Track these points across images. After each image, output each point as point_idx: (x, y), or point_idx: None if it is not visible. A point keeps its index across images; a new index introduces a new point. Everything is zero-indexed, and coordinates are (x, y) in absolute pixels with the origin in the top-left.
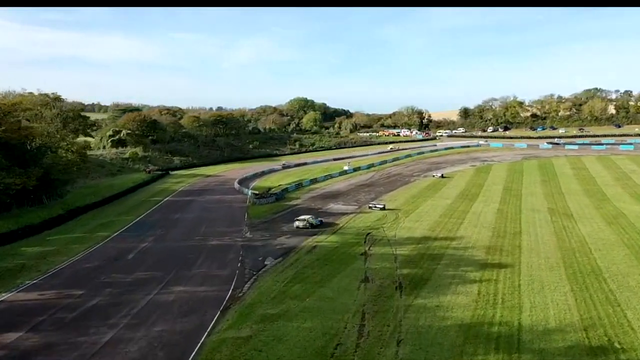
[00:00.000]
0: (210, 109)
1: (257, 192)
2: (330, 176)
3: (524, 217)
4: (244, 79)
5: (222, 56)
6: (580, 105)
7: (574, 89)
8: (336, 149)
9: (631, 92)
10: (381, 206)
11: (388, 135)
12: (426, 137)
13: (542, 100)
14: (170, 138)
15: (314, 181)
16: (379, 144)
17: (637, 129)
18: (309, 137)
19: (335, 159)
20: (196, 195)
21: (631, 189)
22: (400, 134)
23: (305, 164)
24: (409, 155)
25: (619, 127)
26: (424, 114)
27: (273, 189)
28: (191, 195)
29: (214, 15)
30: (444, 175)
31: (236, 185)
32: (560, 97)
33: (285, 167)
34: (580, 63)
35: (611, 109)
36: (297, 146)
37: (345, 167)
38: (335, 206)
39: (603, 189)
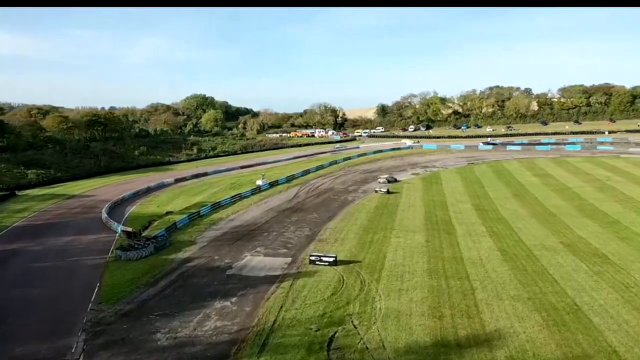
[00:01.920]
0: (103, 108)
1: (130, 229)
2: (240, 196)
3: (548, 265)
4: (143, 78)
5: (120, 54)
6: (504, 101)
7: (475, 86)
8: (242, 153)
9: (530, 89)
10: (330, 259)
11: (301, 136)
12: (345, 138)
13: (465, 96)
14: (28, 145)
15: (216, 206)
16: (292, 146)
17: (567, 127)
18: (210, 139)
19: (242, 167)
20: (30, 239)
21: (629, 203)
22: (316, 135)
23: (205, 174)
24: (334, 162)
25: (545, 124)
26: (338, 112)
27: (156, 223)
28: (23, 239)
29: (112, 12)
30: (389, 191)
31: (104, 215)
32: (482, 93)
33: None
34: (478, 63)
35: (534, 106)
36: (195, 151)
37: (259, 182)
38: (254, 260)
39: (597, 205)
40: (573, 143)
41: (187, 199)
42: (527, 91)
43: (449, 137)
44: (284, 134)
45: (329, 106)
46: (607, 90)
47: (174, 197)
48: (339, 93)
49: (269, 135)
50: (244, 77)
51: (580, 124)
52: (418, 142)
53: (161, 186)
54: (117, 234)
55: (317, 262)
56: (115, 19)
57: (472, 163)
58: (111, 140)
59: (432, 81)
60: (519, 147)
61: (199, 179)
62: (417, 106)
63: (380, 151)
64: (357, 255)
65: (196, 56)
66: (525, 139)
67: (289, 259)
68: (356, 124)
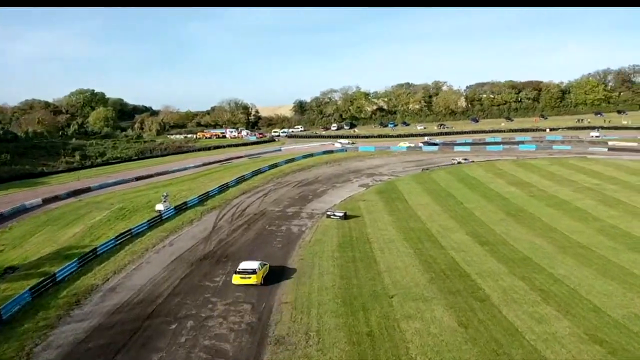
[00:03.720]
0: None
1: None
2: (131, 233)
3: None
4: (30, 75)
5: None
6: (430, 97)
7: (383, 84)
8: (139, 159)
9: (440, 82)
10: None
11: (210, 137)
12: (262, 139)
13: (390, 91)
14: None
15: (88, 258)
16: (199, 150)
17: (502, 124)
18: (98, 143)
19: (138, 178)
20: None
21: None
22: (227, 135)
23: (88, 190)
24: (258, 171)
25: (476, 121)
26: (250, 109)
27: None
28: None
29: None
30: (347, 215)
31: None
32: (409, 86)
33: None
34: (386, 61)
35: (462, 102)
36: (78, 158)
37: (160, 207)
38: None
39: (623, 227)
40: (522, 142)
41: (52, 235)
42: (438, 85)
43: (379, 136)
44: (189, 135)
45: (240, 102)
46: (536, 86)
47: (33, 230)
48: (251, 91)
49: (172, 137)
50: (144, 75)
51: (512, 120)
52: (353, 143)
53: (21, 211)
54: None
55: None
56: None
57: (426, 169)
58: None
59: (345, 79)
60: (467, 148)
61: (78, 197)
62: (339, 102)
63: (311, 155)
64: None
65: (91, 52)
66: (467, 138)
67: None
68: (271, 122)
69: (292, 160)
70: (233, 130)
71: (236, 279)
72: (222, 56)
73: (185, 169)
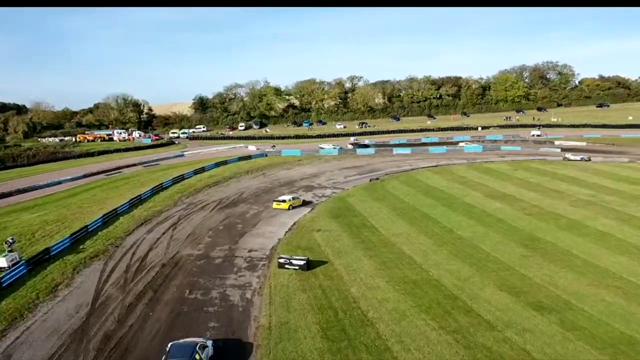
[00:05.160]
0: None
1: None
2: None
3: None
4: None
5: None
6: (346, 93)
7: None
8: None
9: (357, 76)
10: None
11: (94, 140)
12: (158, 142)
13: (303, 87)
14: None
15: None
16: (80, 156)
17: (429, 122)
18: None
19: None
20: None
21: None
22: (115, 138)
23: None
24: (159, 188)
25: (398, 119)
26: (142, 106)
27: None
28: None
29: None
30: (309, 263)
31: None
32: (322, 83)
33: None
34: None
35: (379, 98)
36: None
37: (2, 263)
38: None
39: None
40: (464, 142)
41: None
42: (340, 83)
43: (297, 137)
44: (66, 138)
45: (129, 99)
46: (455, 82)
47: None
48: (142, 86)
49: (44, 140)
50: (16, 70)
51: (435, 118)
52: (274, 146)
53: None
54: None
55: None
56: None
57: (376, 179)
58: None
59: (250, 76)
60: (408, 150)
61: None
62: (246, 99)
63: (225, 162)
64: None
65: None
66: (403, 138)
67: None
68: (168, 121)
69: (202, 170)
70: (122, 131)
71: (275, 205)
72: (106, 51)
73: (59, 182)
